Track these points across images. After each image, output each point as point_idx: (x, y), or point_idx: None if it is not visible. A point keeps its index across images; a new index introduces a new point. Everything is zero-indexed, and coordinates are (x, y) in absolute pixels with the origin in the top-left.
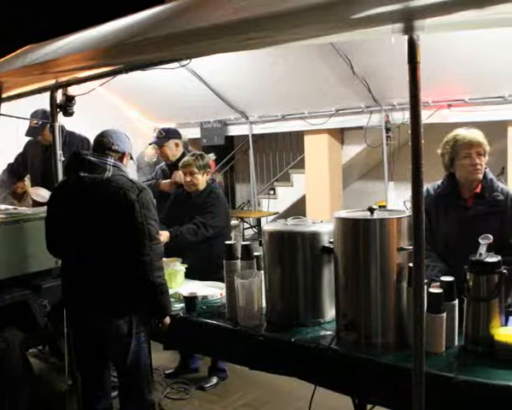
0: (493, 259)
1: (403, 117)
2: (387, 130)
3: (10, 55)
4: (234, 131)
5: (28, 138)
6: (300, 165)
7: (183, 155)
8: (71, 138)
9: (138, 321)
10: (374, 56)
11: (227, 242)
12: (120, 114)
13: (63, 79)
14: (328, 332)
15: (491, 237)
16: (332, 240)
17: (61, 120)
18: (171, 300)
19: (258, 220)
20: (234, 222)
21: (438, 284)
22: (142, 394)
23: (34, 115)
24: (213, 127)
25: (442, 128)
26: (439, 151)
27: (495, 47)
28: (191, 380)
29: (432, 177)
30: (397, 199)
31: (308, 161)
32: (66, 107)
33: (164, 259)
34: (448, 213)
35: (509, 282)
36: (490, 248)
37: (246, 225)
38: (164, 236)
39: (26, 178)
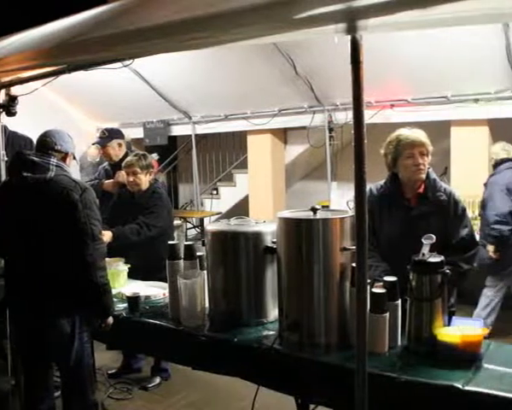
0: (436, 259)
1: (346, 117)
2: (330, 130)
3: None
4: (177, 131)
5: None
6: (243, 165)
7: (125, 155)
8: (14, 138)
9: (81, 321)
10: (317, 56)
11: (170, 242)
12: (63, 114)
13: (6, 79)
14: (271, 332)
15: (433, 237)
16: (275, 240)
17: (4, 120)
18: (114, 300)
19: (201, 220)
20: (177, 222)
21: (381, 283)
22: (84, 394)
23: None
24: (156, 127)
25: (385, 128)
26: (382, 151)
27: (438, 47)
28: (134, 380)
29: (375, 177)
30: (340, 199)
31: (251, 161)
32: (9, 107)
33: (107, 259)
34: (391, 213)
35: (452, 282)
36: (433, 249)
37: (189, 225)
38: (107, 236)
39: None
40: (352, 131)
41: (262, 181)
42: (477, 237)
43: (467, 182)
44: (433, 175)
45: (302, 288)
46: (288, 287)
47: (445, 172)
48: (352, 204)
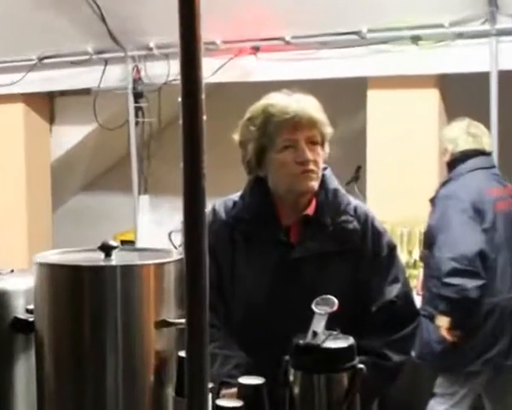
0: (339, 343)
1: (167, 72)
2: (138, 96)
3: None
4: None
5: None
6: None
7: None
8: None
9: None
10: None
11: None
12: None
13: None
14: None
15: (334, 300)
16: (32, 307)
17: None
18: None
19: None
20: None
21: (233, 390)
22: None
23: None
24: None
25: (243, 91)
26: (237, 136)
27: None
28: None
29: (226, 185)
30: (156, 227)
31: None
32: None
33: None
34: (254, 254)
35: (370, 387)
36: (333, 322)
37: None
38: None
39: None
40: (179, 99)
41: (6, 194)
42: (417, 301)
43: (397, 195)
44: (334, 182)
45: (83, 398)
46: (56, 396)
47: (356, 177)
48: (178, 237)
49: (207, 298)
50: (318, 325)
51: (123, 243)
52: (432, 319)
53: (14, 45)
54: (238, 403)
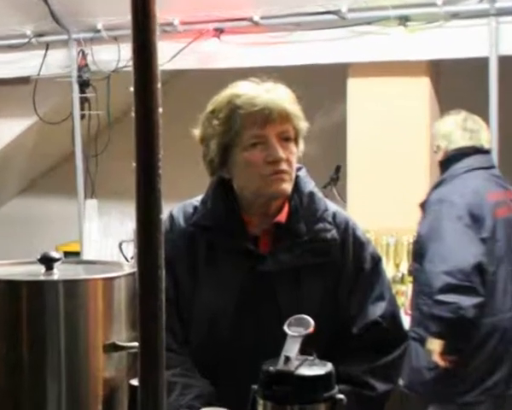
0: (315, 369)
1: (117, 57)
2: (84, 85)
3: None
4: None
5: None
6: None
7: None
8: None
9: None
10: None
11: None
12: None
13: None
14: None
15: (310, 320)
16: None
17: None
18: None
19: None
20: None
21: None
22: None
23: None
24: None
25: (205, 80)
26: (198, 132)
27: None
28: None
29: (185, 188)
30: (105, 236)
31: None
32: None
33: None
34: (217, 267)
35: None
36: (309, 346)
37: None
38: None
39: None
40: (132, 88)
41: None
42: (405, 322)
43: (382, 200)
44: (309, 185)
45: None
46: None
47: (335, 179)
48: (130, 249)
49: (164, 318)
50: (291, 348)
51: (66, 254)
52: (422, 342)
53: None
54: None
